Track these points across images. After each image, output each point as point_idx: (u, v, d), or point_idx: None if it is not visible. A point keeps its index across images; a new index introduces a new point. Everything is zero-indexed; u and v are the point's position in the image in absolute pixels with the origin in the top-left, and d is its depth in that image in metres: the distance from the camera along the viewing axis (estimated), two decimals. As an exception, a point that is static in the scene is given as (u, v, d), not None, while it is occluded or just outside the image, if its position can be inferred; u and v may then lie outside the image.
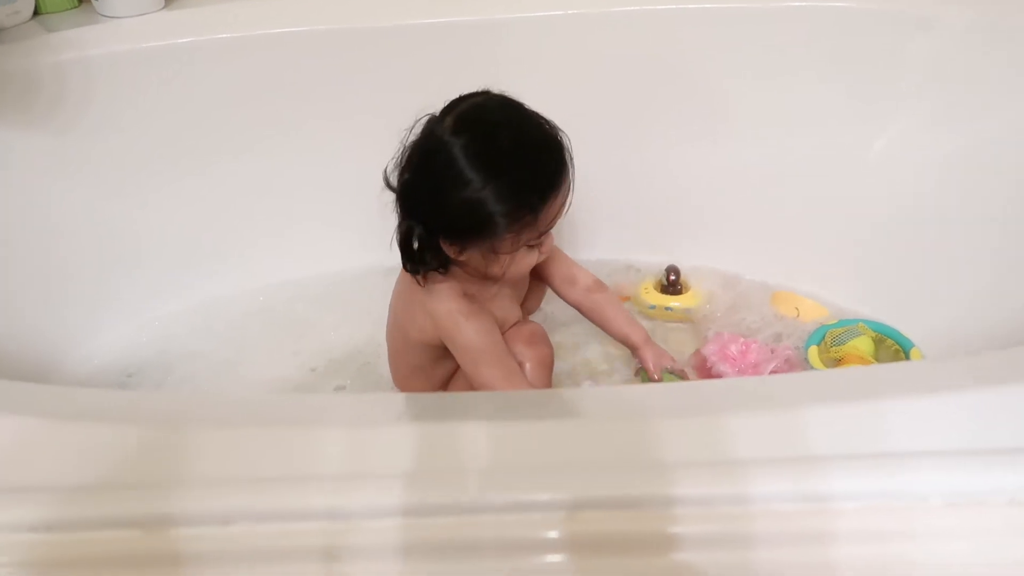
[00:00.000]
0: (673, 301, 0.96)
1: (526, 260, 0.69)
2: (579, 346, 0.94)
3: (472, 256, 0.67)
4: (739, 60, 0.93)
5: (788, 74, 0.93)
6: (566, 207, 0.67)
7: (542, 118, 0.66)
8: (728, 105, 0.95)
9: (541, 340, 0.79)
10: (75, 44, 0.92)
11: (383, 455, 0.34)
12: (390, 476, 0.33)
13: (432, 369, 0.81)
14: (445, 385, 0.83)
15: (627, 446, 0.33)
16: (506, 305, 0.78)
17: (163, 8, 0.97)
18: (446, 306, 0.72)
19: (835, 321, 0.90)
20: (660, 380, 0.79)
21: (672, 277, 0.97)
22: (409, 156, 0.66)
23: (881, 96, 0.91)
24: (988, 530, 0.31)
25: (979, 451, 0.33)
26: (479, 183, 0.61)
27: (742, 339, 0.86)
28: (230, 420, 0.37)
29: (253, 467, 0.33)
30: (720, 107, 0.95)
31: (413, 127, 0.66)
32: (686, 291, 0.97)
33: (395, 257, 1.02)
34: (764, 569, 0.30)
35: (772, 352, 0.85)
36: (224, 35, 0.94)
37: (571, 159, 0.66)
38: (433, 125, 0.65)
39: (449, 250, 0.67)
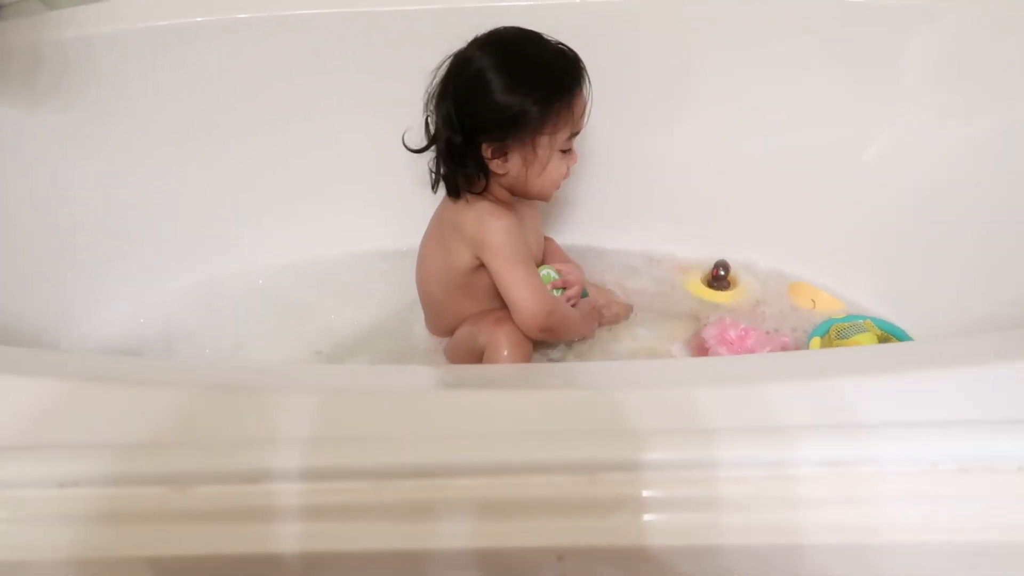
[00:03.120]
0: (718, 299, 0.95)
1: (559, 170, 0.76)
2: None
3: (513, 163, 0.75)
4: (745, 51, 0.93)
5: (796, 66, 0.93)
6: (585, 117, 0.75)
7: (556, 40, 0.76)
8: (735, 97, 0.95)
9: None
10: (77, 22, 0.93)
11: (411, 421, 0.36)
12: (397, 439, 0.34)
13: (479, 300, 0.84)
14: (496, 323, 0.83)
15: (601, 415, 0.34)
16: (532, 237, 0.84)
17: (167, -14, 0.98)
18: (475, 212, 0.78)
19: (843, 316, 0.91)
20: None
21: (720, 272, 0.96)
22: (443, 83, 0.75)
23: (886, 89, 0.91)
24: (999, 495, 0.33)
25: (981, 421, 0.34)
26: (512, 81, 0.71)
27: (742, 325, 0.86)
28: (274, 385, 0.39)
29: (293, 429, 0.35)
30: (728, 99, 0.96)
31: (440, 66, 0.75)
32: (734, 287, 0.97)
33: (395, 240, 1.05)
34: (735, 530, 0.31)
35: (769, 337, 0.86)
36: (227, 16, 0.95)
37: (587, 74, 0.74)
38: (460, 54, 0.75)
39: (492, 157, 0.74)
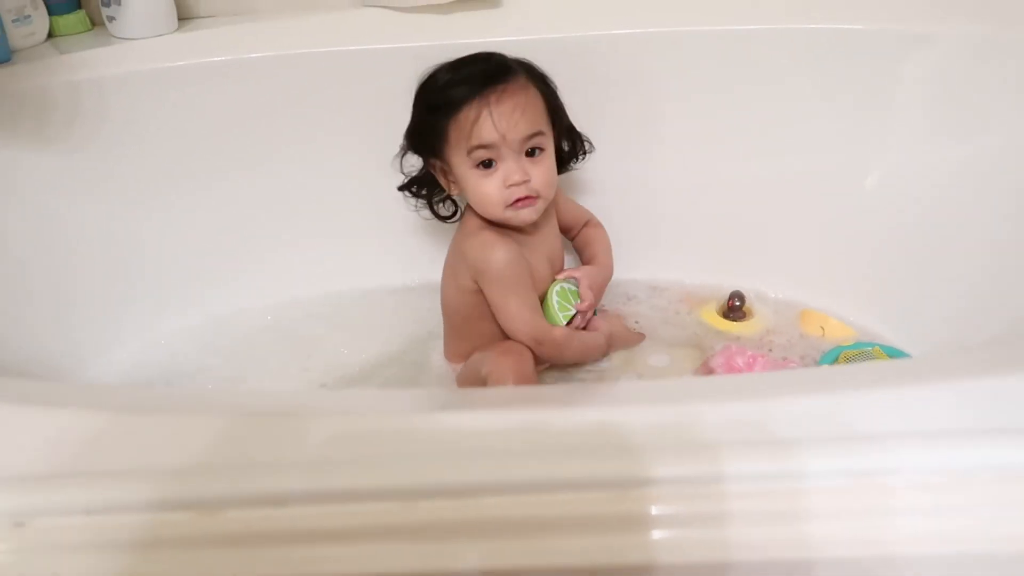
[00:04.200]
0: (732, 329, 0.95)
1: (485, 187, 0.75)
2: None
3: (455, 183, 0.79)
4: (747, 79, 0.95)
5: (798, 93, 0.95)
6: (486, 131, 0.73)
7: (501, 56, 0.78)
8: (737, 125, 0.98)
9: None
10: (89, 65, 0.96)
11: (436, 441, 0.36)
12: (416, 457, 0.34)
13: (492, 323, 0.84)
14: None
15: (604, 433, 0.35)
16: (538, 261, 0.83)
17: (176, 30, 1.02)
18: (479, 241, 0.80)
19: (851, 343, 0.91)
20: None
21: (735, 303, 0.97)
22: None
23: (885, 114, 0.93)
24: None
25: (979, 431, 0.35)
26: (416, 99, 0.79)
27: (749, 352, 0.86)
28: (297, 410, 0.40)
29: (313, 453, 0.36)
30: (730, 127, 0.98)
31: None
32: (749, 317, 0.97)
33: (401, 277, 1.06)
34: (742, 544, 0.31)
35: (777, 364, 0.86)
36: (234, 56, 0.97)
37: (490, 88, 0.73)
38: None
39: (438, 176, 0.80)
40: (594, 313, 0.89)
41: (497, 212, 0.77)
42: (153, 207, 0.99)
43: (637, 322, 0.98)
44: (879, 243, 0.95)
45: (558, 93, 0.81)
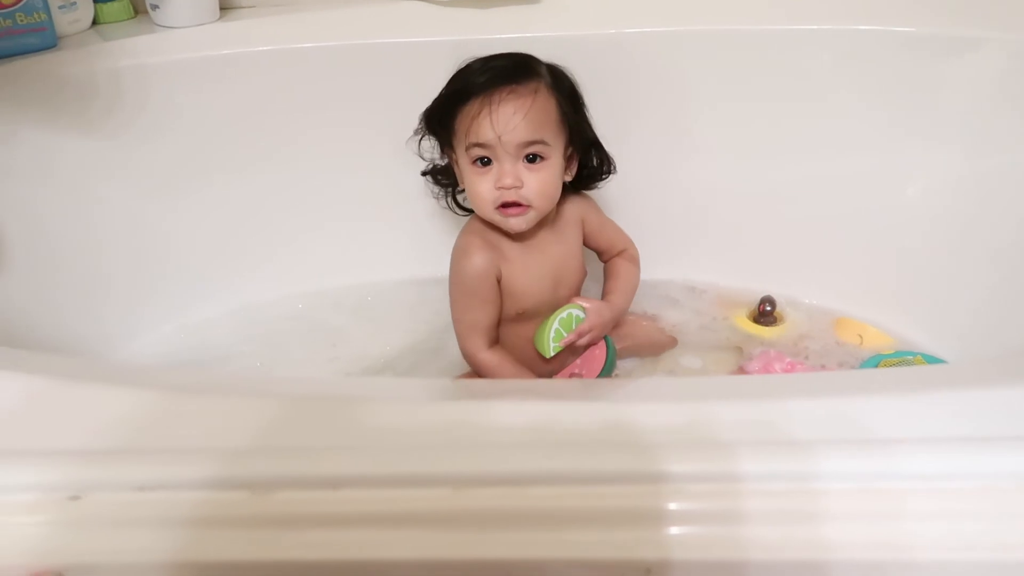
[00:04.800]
0: (765, 334, 0.95)
1: (476, 186, 0.74)
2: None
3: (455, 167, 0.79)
4: (788, 81, 0.95)
5: (840, 97, 0.94)
6: (483, 129, 0.72)
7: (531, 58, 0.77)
8: (778, 128, 0.97)
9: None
10: (131, 52, 0.97)
11: (489, 430, 0.37)
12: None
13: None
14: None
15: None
16: (531, 276, 0.80)
17: (217, 20, 1.03)
18: (464, 238, 0.81)
19: (892, 351, 0.90)
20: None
21: (766, 308, 0.96)
22: None
23: (928, 120, 0.92)
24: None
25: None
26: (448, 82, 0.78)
27: (787, 359, 0.86)
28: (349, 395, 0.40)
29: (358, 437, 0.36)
30: (770, 130, 0.97)
31: None
32: (781, 322, 0.97)
33: (433, 268, 1.06)
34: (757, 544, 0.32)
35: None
36: (274, 47, 0.99)
37: (522, 79, 0.73)
38: None
39: (453, 166, 0.80)
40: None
41: (487, 211, 0.75)
42: (186, 194, 1.00)
43: (674, 325, 0.97)
44: (918, 251, 0.94)
45: (584, 107, 0.79)
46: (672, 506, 0.33)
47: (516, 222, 0.75)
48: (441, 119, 0.77)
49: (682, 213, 1.01)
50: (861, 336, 0.95)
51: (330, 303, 1.06)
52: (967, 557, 0.33)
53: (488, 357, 0.80)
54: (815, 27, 0.92)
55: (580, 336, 0.78)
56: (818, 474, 0.34)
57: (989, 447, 0.35)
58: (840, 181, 0.97)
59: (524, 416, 0.36)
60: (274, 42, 0.98)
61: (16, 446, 0.37)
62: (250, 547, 0.33)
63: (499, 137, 0.71)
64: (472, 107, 0.72)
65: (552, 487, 0.32)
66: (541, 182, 0.73)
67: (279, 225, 1.06)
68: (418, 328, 1.01)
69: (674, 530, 0.33)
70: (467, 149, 0.73)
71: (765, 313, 0.96)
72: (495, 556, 0.32)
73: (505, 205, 0.74)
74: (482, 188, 0.74)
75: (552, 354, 0.78)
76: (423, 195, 0.99)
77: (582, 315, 0.79)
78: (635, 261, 0.88)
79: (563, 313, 0.79)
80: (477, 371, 0.82)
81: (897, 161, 0.94)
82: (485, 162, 0.73)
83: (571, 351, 0.81)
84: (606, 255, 0.89)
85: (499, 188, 0.73)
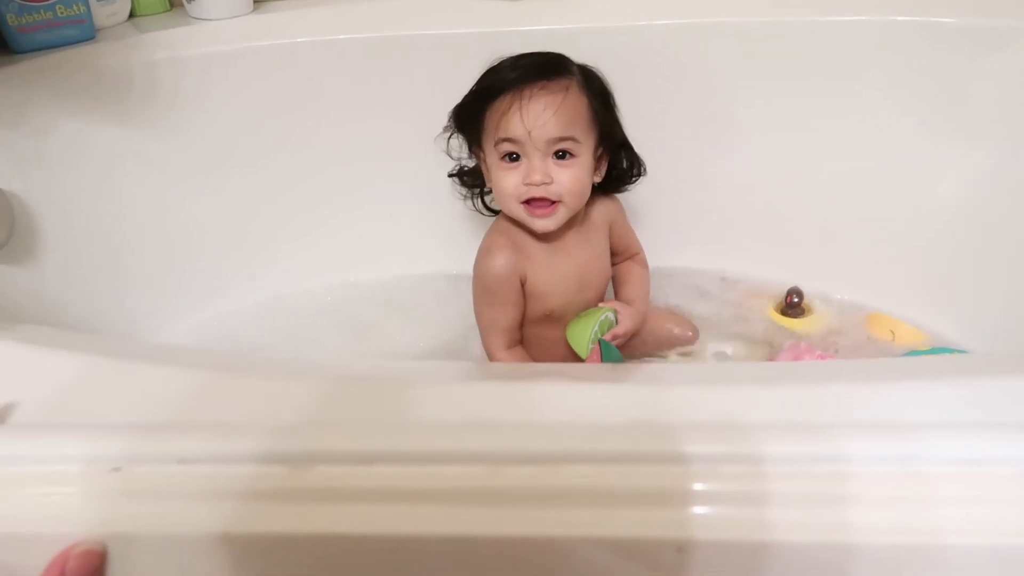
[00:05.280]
0: (794, 326, 0.94)
1: (503, 181, 0.75)
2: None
3: (487, 170, 0.79)
4: (821, 73, 0.94)
5: (874, 89, 0.93)
6: (514, 126, 0.72)
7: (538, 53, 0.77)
8: (810, 120, 0.96)
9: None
10: (166, 44, 0.99)
11: (526, 409, 0.37)
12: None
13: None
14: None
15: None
16: (556, 278, 0.80)
17: (251, 12, 1.04)
18: (490, 238, 0.82)
19: (928, 348, 0.89)
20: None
21: (794, 299, 0.96)
22: None
23: (963, 115, 0.90)
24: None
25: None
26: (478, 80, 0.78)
27: (818, 351, 0.85)
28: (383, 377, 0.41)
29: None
30: (803, 122, 0.96)
31: None
32: (808, 314, 0.96)
33: (456, 264, 1.07)
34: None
35: None
36: (309, 38, 1.00)
37: (552, 76, 0.73)
38: None
39: (481, 166, 0.80)
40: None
41: (512, 206, 0.75)
42: (216, 185, 1.02)
43: (705, 318, 0.97)
44: (951, 247, 0.93)
45: (615, 108, 0.79)
46: (703, 487, 0.34)
47: (544, 223, 0.75)
48: (470, 116, 0.77)
49: (715, 204, 1.01)
50: (894, 332, 0.93)
51: (359, 296, 1.07)
52: (993, 542, 0.33)
53: (506, 356, 0.81)
54: (851, 18, 0.91)
55: (615, 339, 0.79)
56: (843, 457, 0.34)
57: (1018, 434, 0.35)
58: (871, 175, 0.96)
59: (559, 397, 0.37)
60: (307, 34, 1.00)
61: (62, 419, 0.39)
62: (287, 520, 0.34)
63: (529, 132, 0.71)
64: (502, 103, 0.72)
65: (586, 466, 0.33)
66: (571, 178, 0.73)
67: (309, 217, 1.07)
68: (447, 323, 1.02)
69: (705, 510, 0.33)
70: (496, 144, 0.73)
71: (792, 304, 0.96)
72: (529, 533, 0.32)
73: (531, 202, 0.74)
74: (508, 183, 0.74)
75: (588, 355, 0.78)
76: (454, 190, 1.00)
77: (614, 320, 0.80)
78: (647, 266, 0.89)
79: (601, 316, 0.79)
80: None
81: (930, 156, 0.93)
82: (513, 158, 0.73)
83: None
84: (620, 258, 0.89)
85: (527, 184, 0.72)
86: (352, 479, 0.34)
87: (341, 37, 0.99)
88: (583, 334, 0.78)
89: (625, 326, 0.80)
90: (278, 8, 1.05)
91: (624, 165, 0.82)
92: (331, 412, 0.37)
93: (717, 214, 1.01)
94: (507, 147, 0.73)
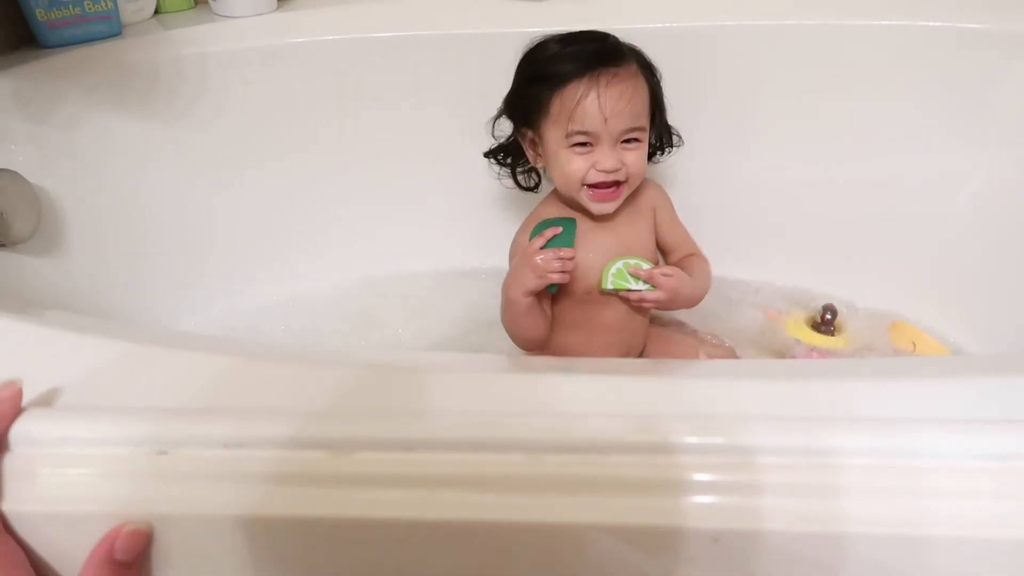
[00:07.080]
0: (826, 344, 0.95)
1: (570, 164, 0.76)
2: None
3: (538, 151, 0.80)
4: (846, 79, 0.95)
5: (900, 96, 0.94)
6: (588, 115, 0.73)
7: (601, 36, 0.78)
8: (828, 124, 0.97)
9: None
10: (191, 41, 1.02)
11: (560, 400, 0.39)
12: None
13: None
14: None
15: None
16: (598, 254, 0.80)
17: (276, 9, 1.07)
18: (538, 209, 0.84)
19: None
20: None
21: (827, 316, 0.96)
22: None
23: (989, 122, 0.91)
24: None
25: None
26: (519, 69, 0.80)
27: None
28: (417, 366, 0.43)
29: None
30: (827, 125, 0.98)
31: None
32: (839, 332, 0.97)
33: (479, 260, 1.09)
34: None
35: None
36: (332, 36, 1.02)
37: (620, 64, 0.74)
38: None
39: (525, 146, 0.82)
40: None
41: (574, 188, 0.77)
42: (239, 181, 1.04)
43: (731, 340, 0.97)
44: (972, 254, 0.94)
45: (662, 87, 0.81)
46: (705, 478, 0.35)
47: (606, 206, 0.77)
48: (531, 104, 0.77)
49: (738, 209, 1.02)
50: (914, 343, 0.94)
51: (379, 292, 1.09)
52: (981, 535, 0.34)
53: (513, 291, 0.78)
54: (877, 22, 0.92)
55: (652, 277, 0.77)
56: (836, 450, 0.36)
57: (1008, 429, 0.36)
58: (894, 181, 0.97)
59: (593, 388, 0.38)
60: (331, 32, 1.02)
61: (109, 403, 0.40)
62: (327, 504, 0.36)
63: (606, 121, 0.73)
64: (575, 90, 0.73)
65: (624, 456, 0.34)
66: (637, 160, 0.76)
67: (328, 213, 1.09)
68: (465, 320, 1.03)
69: (705, 499, 0.35)
70: (568, 134, 0.74)
71: (826, 322, 0.96)
72: (566, 520, 0.34)
73: (596, 186, 0.76)
74: (577, 167, 0.75)
75: (608, 287, 0.78)
76: (477, 187, 1.02)
77: (645, 265, 0.78)
78: (707, 263, 0.87)
79: (632, 260, 0.78)
80: (504, 304, 0.81)
81: (954, 162, 0.94)
82: (584, 145, 0.75)
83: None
84: (674, 255, 0.88)
85: (600, 170, 0.74)
86: (392, 465, 0.35)
87: (364, 35, 1.01)
88: (610, 266, 0.79)
89: (663, 270, 0.78)
90: (302, 6, 1.07)
91: (657, 140, 0.85)
92: (369, 399, 0.39)
93: (739, 217, 1.02)
94: (581, 136, 0.74)
